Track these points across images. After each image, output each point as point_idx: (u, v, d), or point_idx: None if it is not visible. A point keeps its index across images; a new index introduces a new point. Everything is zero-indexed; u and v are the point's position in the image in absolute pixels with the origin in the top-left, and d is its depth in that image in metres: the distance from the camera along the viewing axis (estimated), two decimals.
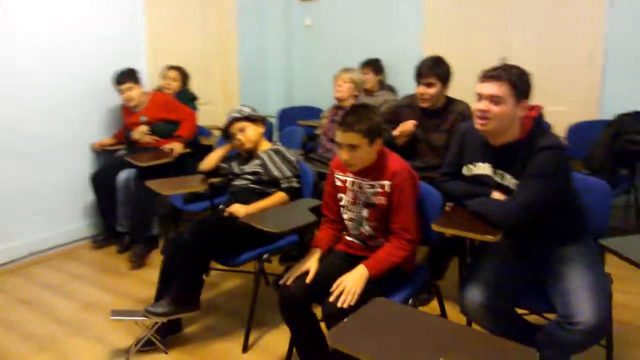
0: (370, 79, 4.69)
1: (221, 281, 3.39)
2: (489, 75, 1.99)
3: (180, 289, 2.52)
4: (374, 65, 4.76)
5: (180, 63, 4.54)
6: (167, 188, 3.04)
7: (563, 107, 4.11)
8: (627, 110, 3.58)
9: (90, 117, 4.15)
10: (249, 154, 2.95)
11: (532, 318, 2.22)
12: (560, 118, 3.93)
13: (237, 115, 2.92)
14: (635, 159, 3.65)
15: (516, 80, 1.96)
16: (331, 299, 1.96)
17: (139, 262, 3.65)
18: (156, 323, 2.56)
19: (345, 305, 1.92)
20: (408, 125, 3.04)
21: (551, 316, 1.95)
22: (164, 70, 4.39)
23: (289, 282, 2.11)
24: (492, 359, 1.31)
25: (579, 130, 3.92)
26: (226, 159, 3.09)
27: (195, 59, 5.09)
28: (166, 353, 2.59)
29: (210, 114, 5.18)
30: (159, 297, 2.61)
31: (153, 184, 3.04)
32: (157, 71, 4.45)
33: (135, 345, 2.58)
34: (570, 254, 2.03)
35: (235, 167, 2.96)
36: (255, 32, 5.64)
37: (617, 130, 3.45)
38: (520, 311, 2.14)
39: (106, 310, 3.05)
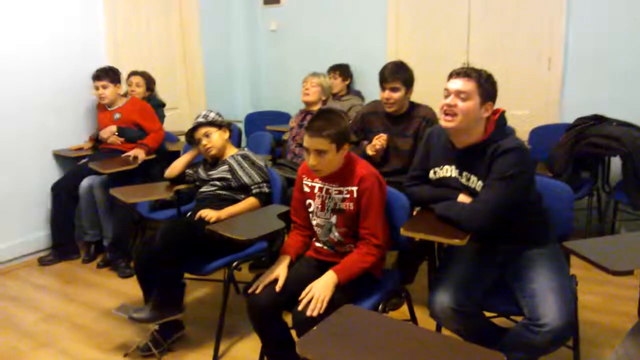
0: (338, 83, 4.74)
1: (190, 290, 3.32)
2: (458, 73, 2.05)
3: (161, 294, 2.51)
4: (342, 70, 4.80)
5: (143, 68, 4.47)
6: (132, 196, 2.97)
7: (525, 111, 4.21)
8: (587, 113, 3.68)
9: (50, 124, 4.05)
10: (215, 160, 2.92)
11: (500, 321, 2.25)
12: (523, 122, 4.03)
13: (202, 120, 2.89)
14: (596, 162, 3.75)
15: (483, 82, 2.02)
16: (300, 307, 1.95)
17: (129, 271, 3.57)
18: (155, 329, 2.60)
19: (314, 314, 1.91)
20: (380, 143, 3.06)
21: (518, 319, 1.98)
22: (128, 76, 4.32)
23: (258, 291, 2.09)
24: None
25: (540, 133, 4.01)
26: (192, 165, 3.05)
27: (158, 64, 5.02)
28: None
29: (176, 119, 5.12)
30: (147, 301, 2.61)
31: (117, 192, 2.97)
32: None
33: (140, 349, 2.62)
34: (535, 257, 2.06)
35: (202, 173, 2.93)
36: (219, 36, 5.59)
37: (578, 134, 3.53)
38: (488, 314, 2.17)
39: (71, 321, 2.98)
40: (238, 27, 5.74)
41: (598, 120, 3.60)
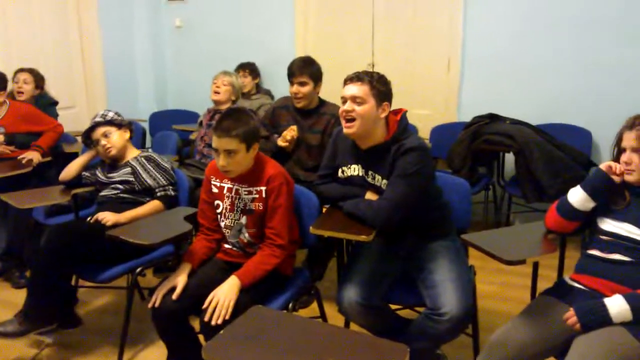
0: (248, 82, 4.69)
1: (91, 298, 3.16)
2: (351, 78, 2.12)
3: (33, 303, 2.32)
4: (251, 69, 4.75)
5: (37, 65, 4.18)
6: (26, 201, 2.77)
7: (426, 110, 4.38)
8: (483, 112, 3.90)
9: None
10: (115, 161, 2.79)
11: (406, 312, 2.33)
12: (424, 121, 4.19)
13: (100, 119, 2.76)
14: (491, 158, 3.99)
15: (376, 83, 2.09)
16: (206, 318, 1.90)
17: (24, 282, 3.30)
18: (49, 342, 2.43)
19: (219, 321, 1.88)
20: (291, 133, 3.07)
21: (422, 310, 2.05)
22: (14, 74, 4.00)
23: (157, 304, 2.01)
24: (366, 358, 1.35)
25: (440, 132, 4.19)
26: (89, 167, 2.89)
27: (54, 60, 4.72)
28: None
29: (74, 119, 4.83)
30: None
31: (9, 197, 2.76)
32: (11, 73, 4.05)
33: None
34: (436, 249, 2.16)
35: (101, 176, 2.79)
36: (120, 32, 5.34)
37: (475, 132, 3.73)
38: (394, 306, 2.23)
39: None
40: (141, 23, 5.51)
41: (493, 118, 3.83)
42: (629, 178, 1.80)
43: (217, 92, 3.66)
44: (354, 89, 2.08)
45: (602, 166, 1.86)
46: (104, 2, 5.08)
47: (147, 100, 5.64)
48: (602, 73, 3.82)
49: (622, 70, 3.75)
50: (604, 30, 3.76)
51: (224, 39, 5.25)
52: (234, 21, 5.18)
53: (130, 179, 2.70)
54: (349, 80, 2.12)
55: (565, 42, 3.90)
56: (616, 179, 1.83)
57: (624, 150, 1.81)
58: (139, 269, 2.48)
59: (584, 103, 3.90)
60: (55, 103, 4.19)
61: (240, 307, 1.88)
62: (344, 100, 2.11)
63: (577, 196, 1.88)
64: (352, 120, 2.08)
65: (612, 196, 1.85)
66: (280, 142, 3.07)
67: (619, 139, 1.85)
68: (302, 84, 3.05)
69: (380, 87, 2.09)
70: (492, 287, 3.18)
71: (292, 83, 3.09)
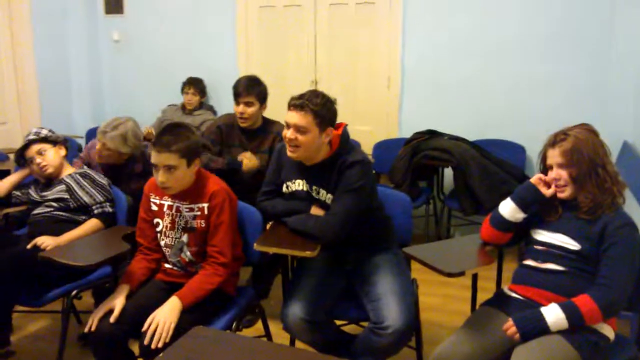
0: (194, 100, 4.58)
1: (24, 323, 2.99)
2: (294, 105, 2.07)
3: None
4: (199, 87, 4.65)
5: None
6: None
7: (368, 127, 4.45)
8: (422, 129, 4.00)
9: None
10: (50, 180, 2.68)
11: (351, 328, 2.33)
12: (366, 137, 4.26)
13: (34, 137, 2.66)
14: (431, 172, 4.09)
15: (319, 110, 2.05)
16: (145, 341, 1.84)
17: None
18: None
19: (160, 345, 1.82)
20: (253, 164, 3.03)
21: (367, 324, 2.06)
22: None
23: (93, 328, 1.93)
24: None
25: (382, 147, 4.27)
26: (21, 186, 2.76)
27: None
28: None
29: (5, 135, 4.63)
30: None
31: None
32: None
33: None
34: (379, 263, 2.18)
35: (34, 195, 2.67)
36: (55, 46, 5.15)
37: (415, 147, 3.82)
38: (339, 322, 2.23)
39: None
40: (77, 36, 5.32)
41: (432, 134, 3.93)
42: (562, 195, 1.86)
43: (100, 156, 3.02)
44: (297, 118, 2.04)
45: (533, 178, 1.93)
46: (37, 15, 4.89)
47: (83, 115, 5.44)
48: (534, 90, 4.00)
49: (552, 87, 3.94)
50: (535, 49, 3.95)
51: (164, 53, 5.15)
52: (174, 36, 5.10)
53: (65, 196, 2.60)
54: (292, 107, 2.07)
55: (499, 61, 4.07)
56: (545, 191, 1.89)
57: (550, 167, 1.88)
58: (74, 292, 2.37)
59: (518, 119, 4.07)
60: None
61: (181, 329, 1.83)
62: (288, 126, 2.09)
63: (507, 207, 1.95)
64: (297, 146, 2.07)
65: (545, 208, 1.93)
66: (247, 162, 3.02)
67: (543, 157, 1.92)
68: (248, 104, 3.02)
69: (324, 114, 2.05)
70: (434, 300, 3.24)
71: (237, 103, 3.04)
